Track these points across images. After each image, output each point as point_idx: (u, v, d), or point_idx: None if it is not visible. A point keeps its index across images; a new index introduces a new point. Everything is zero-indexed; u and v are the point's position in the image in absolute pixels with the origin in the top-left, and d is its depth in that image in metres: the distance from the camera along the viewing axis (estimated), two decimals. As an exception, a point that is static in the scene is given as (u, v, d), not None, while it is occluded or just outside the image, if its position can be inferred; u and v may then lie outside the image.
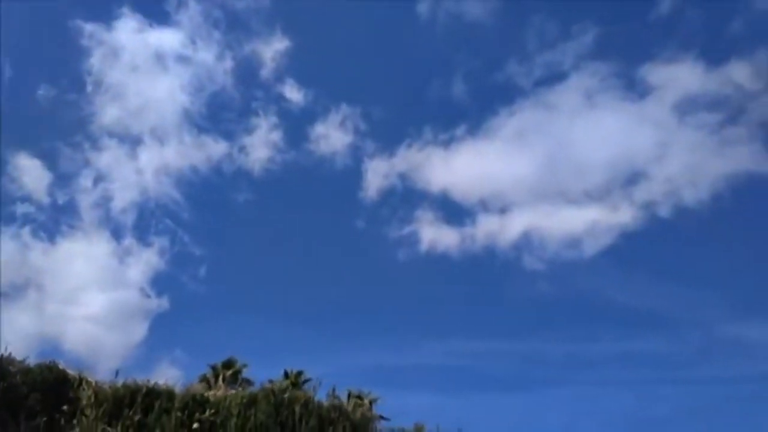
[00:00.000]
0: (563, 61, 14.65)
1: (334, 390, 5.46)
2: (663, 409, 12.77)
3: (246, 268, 15.95)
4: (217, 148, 16.07)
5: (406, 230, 15.67)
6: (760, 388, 12.18)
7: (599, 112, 14.52)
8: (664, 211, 13.68)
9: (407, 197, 15.97)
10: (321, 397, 5.62)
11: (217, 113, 16.64)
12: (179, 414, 4.54)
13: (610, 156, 13.96)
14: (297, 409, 4.99)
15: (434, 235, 15.45)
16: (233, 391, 4.88)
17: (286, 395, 4.92)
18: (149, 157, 16.13)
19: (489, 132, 15.44)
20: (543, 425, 13.20)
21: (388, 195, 15.99)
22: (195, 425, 4.51)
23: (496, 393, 14.21)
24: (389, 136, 16.22)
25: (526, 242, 14.69)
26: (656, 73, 14.05)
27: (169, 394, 4.62)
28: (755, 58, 13.15)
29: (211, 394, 4.89)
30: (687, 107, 13.73)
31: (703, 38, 13.66)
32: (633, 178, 13.69)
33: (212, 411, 4.67)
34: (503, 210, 15.19)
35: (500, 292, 15.49)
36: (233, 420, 4.68)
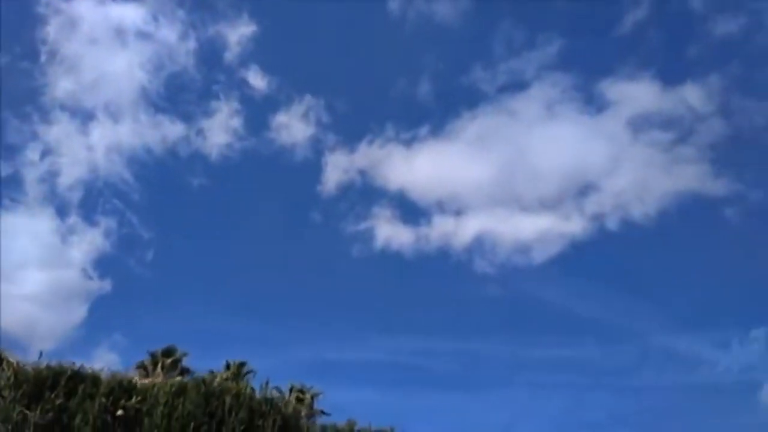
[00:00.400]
0: (527, 70, 14.89)
1: (267, 383, 5.42)
2: (598, 415, 13.11)
3: (195, 255, 15.66)
4: (173, 129, 15.74)
5: (362, 226, 15.68)
6: (688, 399, 12.64)
7: (557, 123, 14.81)
8: (612, 224, 14.04)
9: (365, 193, 16.00)
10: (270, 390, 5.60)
11: (176, 94, 16.29)
12: (103, 400, 4.43)
13: (564, 166, 14.26)
14: (228, 400, 4.93)
15: (390, 232, 15.49)
16: (161, 379, 4.80)
17: (217, 386, 4.87)
18: (101, 134, 15.67)
19: (451, 134, 15.57)
20: (482, 426, 13.39)
21: (346, 190, 15.97)
22: (119, 412, 4.41)
23: (438, 392, 14.34)
24: (351, 130, 16.20)
25: (478, 245, 14.88)
26: (614, 89, 14.39)
27: (95, 379, 4.51)
28: (709, 82, 13.61)
29: (138, 381, 4.79)
30: (641, 124, 14.12)
31: (662, 59, 14.07)
32: (585, 190, 14.01)
33: (138, 398, 4.58)
34: (459, 212, 15.35)
35: (450, 292, 15.64)
36: (160, 408, 4.60)
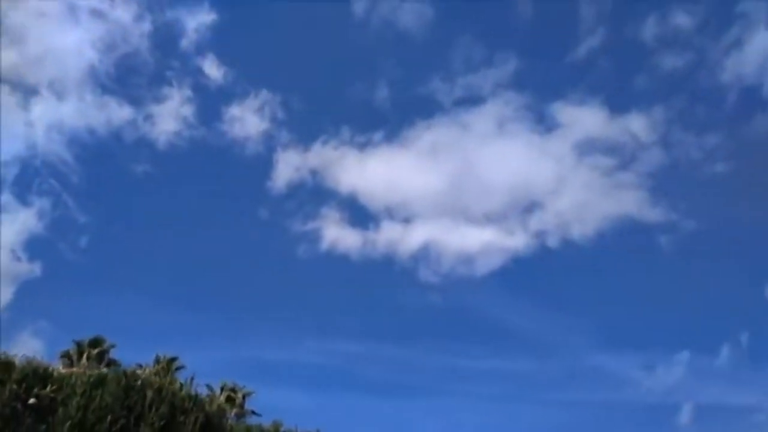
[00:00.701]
0: (483, 86, 15.15)
1: (192, 378, 5.30)
2: (526, 428, 13.41)
3: (132, 244, 15.19)
4: (120, 112, 15.28)
5: (310, 226, 15.59)
6: (613, 416, 13.07)
7: (508, 140, 15.12)
8: (552, 242, 14.41)
9: (315, 194, 15.93)
10: (197, 387, 5.45)
11: (127, 76, 15.83)
12: (15, 387, 4.25)
13: (511, 182, 14.56)
14: (149, 394, 4.80)
15: (337, 235, 15.46)
16: (78, 369, 4.63)
17: (138, 379, 4.73)
18: (43, 111, 15.06)
19: (404, 142, 15.69)
20: (411, 433, 13.54)
21: (296, 189, 15.86)
22: (31, 400, 4.24)
23: (372, 397, 14.38)
24: (306, 129, 16.12)
25: (424, 254, 15.02)
26: (564, 112, 14.79)
27: (7, 365, 4.32)
28: (653, 113, 14.15)
29: (56, 370, 4.61)
30: (586, 148, 14.56)
31: (611, 87, 14.57)
32: (529, 207, 14.34)
33: (54, 387, 4.40)
34: (407, 220, 15.46)
35: (392, 299, 15.71)
36: (76, 399, 4.43)
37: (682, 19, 13.87)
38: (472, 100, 15.52)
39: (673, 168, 14.14)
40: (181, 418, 4.86)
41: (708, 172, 13.78)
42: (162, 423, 4.73)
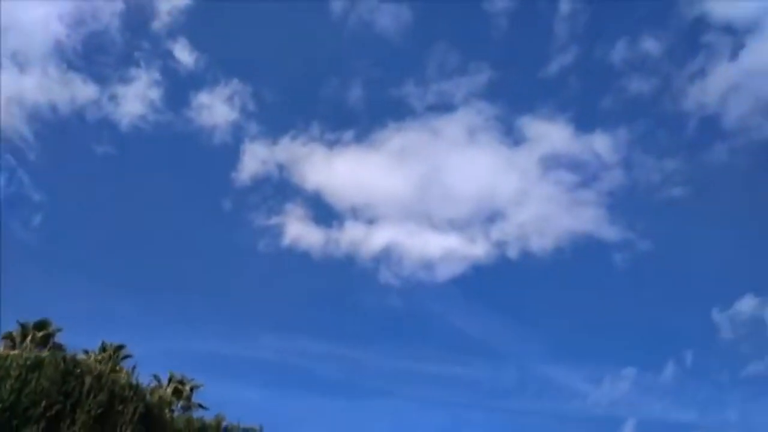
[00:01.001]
0: (456, 94, 15.28)
1: (134, 367, 5.21)
2: (472, 434, 13.58)
3: (88, 226, 14.89)
4: (85, 90, 14.95)
5: (273, 221, 15.48)
6: (559, 427, 13.33)
7: (476, 150, 15.27)
8: (512, 252, 14.60)
9: (281, 188, 15.82)
10: (138, 376, 5.32)
11: (94, 54, 15.47)
12: (-54, 366, 4.11)
13: (477, 191, 14.72)
14: (88, 380, 4.70)
15: (300, 231, 15.39)
16: (15, 351, 4.50)
17: (77, 364, 4.61)
18: (4, 83, 14.63)
19: (374, 143, 15.71)
20: (360, 435, 13.56)
21: (261, 182, 15.71)
22: (-38, 381, 4.10)
23: (320, 396, 14.36)
24: (276, 123, 16.01)
25: (386, 256, 15.06)
26: (532, 126, 15.02)
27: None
28: (617, 134, 14.48)
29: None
30: (551, 163, 14.81)
31: (578, 105, 14.84)
32: (492, 216, 14.52)
33: (-13, 368, 4.28)
34: (371, 221, 15.48)
35: (351, 299, 15.72)
36: (10, 382, 4.31)
37: (650, 45, 14.24)
38: (444, 107, 15.66)
39: (632, 189, 14.49)
40: (120, 407, 4.76)
41: (665, 195, 14.15)
42: (99, 411, 4.63)
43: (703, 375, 13.25)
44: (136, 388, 4.84)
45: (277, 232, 15.47)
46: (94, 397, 4.59)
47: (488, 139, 15.17)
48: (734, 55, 13.70)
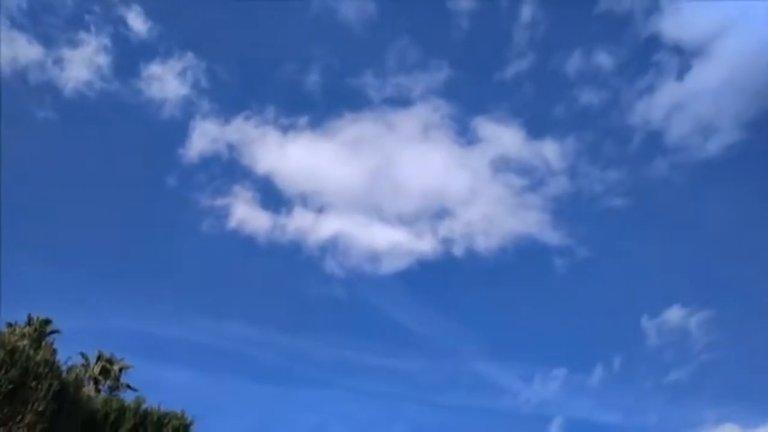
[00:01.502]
0: (413, 89, 15.33)
1: (52, 344, 5.07)
2: (406, 427, 13.78)
3: (22, 194, 14.29)
4: (28, 51, 14.37)
5: (219, 202, 15.28)
6: (490, 423, 13.68)
7: (430, 146, 15.40)
8: (458, 250, 14.83)
9: (229, 169, 15.58)
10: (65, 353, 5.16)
11: (41, 13, 14.83)
12: None
13: (427, 188, 14.85)
14: (0, 354, 4.57)
15: (246, 215, 15.22)
16: None
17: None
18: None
19: (329, 131, 15.63)
20: (291, 423, 13.58)
21: (210, 161, 15.44)
22: None
23: (259, 383, 14.33)
24: (229, 102, 15.71)
25: (332, 246, 15.06)
26: (486, 128, 15.23)
27: None
28: (565, 142, 14.81)
29: None
30: (501, 166, 15.05)
31: (531, 111, 15.11)
32: (441, 213, 14.69)
33: None
34: (320, 209, 15.44)
35: (294, 287, 15.68)
36: None
37: (603, 59, 14.58)
38: (401, 101, 15.71)
39: (576, 196, 14.87)
40: (33, 384, 4.66)
41: (606, 204, 14.58)
42: (10, 387, 4.52)
43: (629, 379, 13.79)
44: (51, 365, 4.73)
45: (223, 213, 15.26)
46: (6, 372, 4.47)
47: (442, 136, 15.33)
48: (681, 75, 14.19)
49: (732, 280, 13.97)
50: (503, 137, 14.76)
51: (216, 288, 15.99)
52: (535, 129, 14.69)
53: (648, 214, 14.55)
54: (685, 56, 13.90)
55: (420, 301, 15.18)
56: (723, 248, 14.08)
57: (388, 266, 14.83)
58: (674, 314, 14.36)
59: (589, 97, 14.48)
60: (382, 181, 15.36)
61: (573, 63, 14.51)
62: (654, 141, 14.38)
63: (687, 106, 14.06)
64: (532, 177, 14.71)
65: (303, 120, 15.59)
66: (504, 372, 14.66)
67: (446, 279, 15.31)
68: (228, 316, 14.78)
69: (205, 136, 15.48)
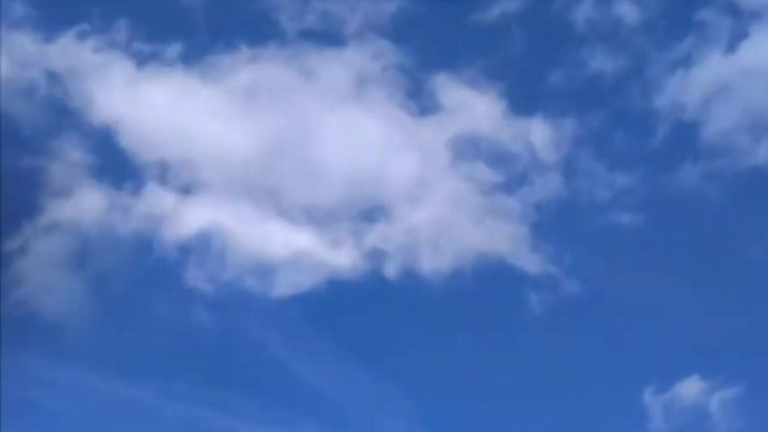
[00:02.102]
0: (348, 22, 10.35)
1: None
2: None
3: None
4: None
5: (25, 163, 9.83)
6: None
7: (363, 110, 10.45)
8: (391, 269, 9.96)
9: (50, 113, 10.24)
10: None
11: None
12: None
13: (354, 172, 9.89)
14: None
15: (69, 186, 9.93)
16: None
17: None
18: None
19: (213, 71, 10.43)
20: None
21: (24, 96, 10.21)
22: None
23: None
24: (56, 9, 10.26)
25: (201, 247, 9.85)
26: (449, 92, 10.50)
27: None
28: (562, 125, 10.32)
29: None
30: (466, 148, 10.34)
31: (517, 75, 10.55)
32: (371, 213, 9.73)
33: None
34: (186, 189, 10.19)
35: (132, 301, 10.26)
36: None
37: (626, 10, 10.23)
38: (326, 37, 10.62)
39: (568, 205, 10.44)
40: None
41: (611, 220, 10.22)
42: None
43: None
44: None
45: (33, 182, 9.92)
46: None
47: (384, 97, 10.47)
48: (732, 45, 10.10)
49: None
50: (475, 108, 10.14)
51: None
52: (521, 101, 10.19)
53: (667, 240, 10.35)
54: (741, 18, 9.82)
55: (330, 341, 10.16)
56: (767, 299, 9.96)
57: (284, 284, 9.76)
58: (690, 388, 10.02)
59: (600, 62, 10.08)
60: (286, 155, 10.30)
61: (583, 11, 10.09)
62: (685, 136, 10.18)
63: (736, 90, 9.96)
64: (510, 170, 10.14)
65: (173, 49, 10.42)
66: None
67: (371, 310, 10.38)
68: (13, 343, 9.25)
69: (13, 58, 10.26)
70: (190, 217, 9.86)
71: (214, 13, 10.45)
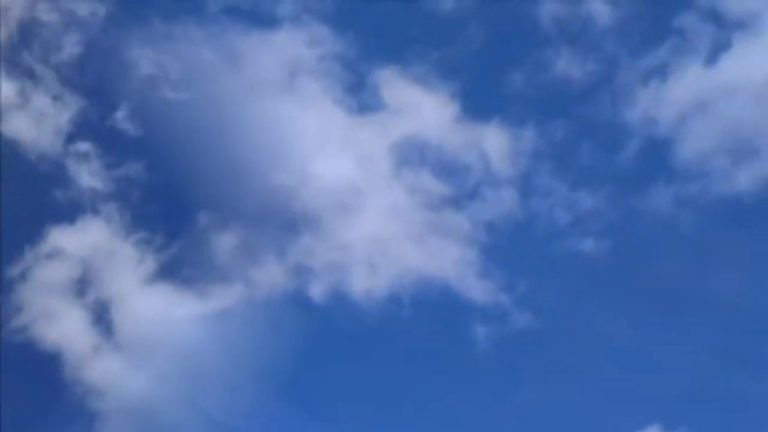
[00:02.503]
0: (282, 1, 9.13)
1: None
2: None
3: None
4: None
5: None
6: None
7: (296, 103, 9.17)
8: (317, 290, 8.76)
9: None
10: None
11: None
12: None
13: (276, 173, 8.57)
14: None
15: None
16: None
17: None
18: None
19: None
20: None
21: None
22: None
23: None
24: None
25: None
26: (395, 89, 9.34)
27: None
28: (521, 134, 9.19)
29: None
30: (412, 154, 9.18)
31: (473, 75, 9.41)
32: (294, 224, 8.49)
33: None
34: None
35: None
36: None
37: (599, 9, 9.23)
38: (256, 18, 9.43)
39: (524, 227, 9.31)
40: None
41: (570, 247, 9.15)
42: None
43: None
44: None
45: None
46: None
47: (319, 90, 9.32)
48: (714, 56, 9.20)
49: (744, 394, 8.92)
50: (424, 108, 9.01)
51: None
52: (476, 104, 9.10)
53: (634, 270, 9.40)
54: (724, 26, 8.93)
55: (241, 370, 8.75)
56: (739, 341, 9.02)
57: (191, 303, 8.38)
58: (652, 440, 9.02)
59: (567, 66, 9.06)
60: (200, 150, 8.93)
61: (550, 7, 9.02)
62: (657, 154, 9.23)
63: (716, 107, 9.09)
64: (460, 183, 9.03)
65: None
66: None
67: (291, 335, 9.02)
68: None
69: None
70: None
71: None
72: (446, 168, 9.25)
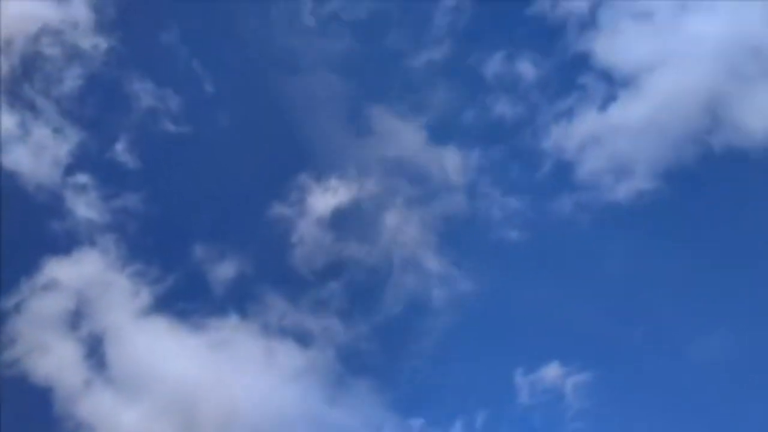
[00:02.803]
0: (304, 54, 12.46)
1: None
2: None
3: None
4: None
5: None
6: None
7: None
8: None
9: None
10: None
11: None
12: None
13: None
14: None
15: None
16: None
17: None
18: None
19: None
20: None
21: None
22: None
23: None
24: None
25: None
26: (383, 119, 12.68)
27: None
28: (470, 155, 12.56)
29: None
30: (392, 168, 12.54)
31: (438, 111, 12.75)
32: None
33: None
34: None
35: None
36: None
37: (526, 68, 12.74)
38: (288, 67, 12.67)
39: (469, 221, 12.70)
40: None
41: (501, 236, 12.47)
42: None
43: (493, 436, 11.63)
44: None
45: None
46: None
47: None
48: (605, 105, 12.68)
49: (620, 342, 12.32)
50: (401, 134, 12.28)
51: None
52: (439, 133, 12.44)
53: (544, 254, 12.71)
54: (613, 84, 12.47)
55: None
56: (618, 305, 12.46)
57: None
58: (551, 372, 12.37)
59: (503, 108, 12.54)
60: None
61: (492, 65, 12.59)
62: (564, 173, 12.67)
63: (605, 140, 12.56)
64: (426, 186, 12.36)
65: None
66: (349, 420, 11.85)
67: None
68: None
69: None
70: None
71: None
72: (417, 176, 12.54)
